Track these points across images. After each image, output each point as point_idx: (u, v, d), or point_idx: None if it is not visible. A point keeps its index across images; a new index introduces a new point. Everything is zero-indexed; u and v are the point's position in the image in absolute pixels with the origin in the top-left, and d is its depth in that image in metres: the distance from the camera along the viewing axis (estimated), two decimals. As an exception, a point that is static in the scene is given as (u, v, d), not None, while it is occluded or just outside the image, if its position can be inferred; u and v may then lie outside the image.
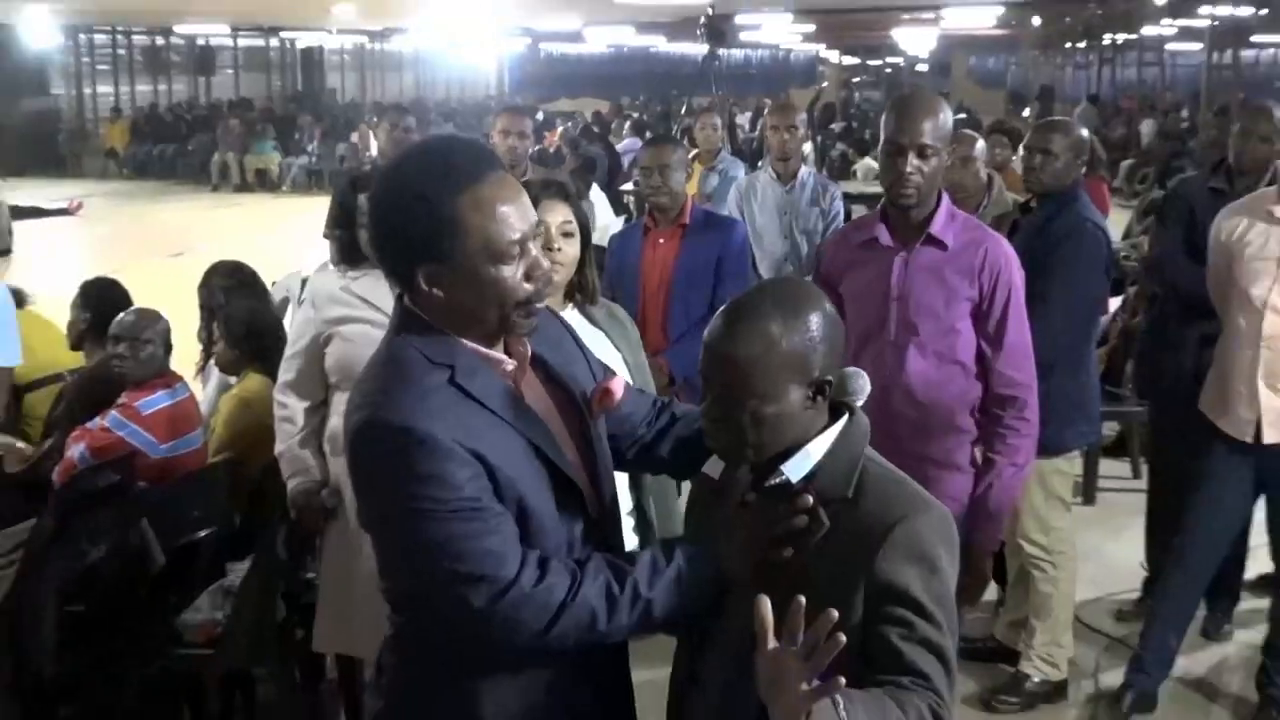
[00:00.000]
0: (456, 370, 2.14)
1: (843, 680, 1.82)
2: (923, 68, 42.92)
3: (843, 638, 1.82)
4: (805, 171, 6.24)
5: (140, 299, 5.08)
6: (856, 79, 43.69)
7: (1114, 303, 7.60)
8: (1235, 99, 15.30)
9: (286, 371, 3.98)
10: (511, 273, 2.12)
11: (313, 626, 4.11)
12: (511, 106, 7.87)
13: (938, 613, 2.04)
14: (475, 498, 2.10)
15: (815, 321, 2.12)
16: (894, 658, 2.01)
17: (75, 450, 4.34)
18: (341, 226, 3.92)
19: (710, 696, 2.24)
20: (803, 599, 1.87)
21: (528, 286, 2.15)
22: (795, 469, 2.14)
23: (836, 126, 23.41)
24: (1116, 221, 9.21)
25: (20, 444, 4.74)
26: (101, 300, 4.85)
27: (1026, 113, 22.55)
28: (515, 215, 2.12)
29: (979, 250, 3.49)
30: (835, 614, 1.83)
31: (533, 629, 2.11)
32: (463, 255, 2.10)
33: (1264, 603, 4.76)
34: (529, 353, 2.27)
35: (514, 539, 2.13)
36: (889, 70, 44.53)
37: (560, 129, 22.33)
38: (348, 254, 3.95)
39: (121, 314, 4.55)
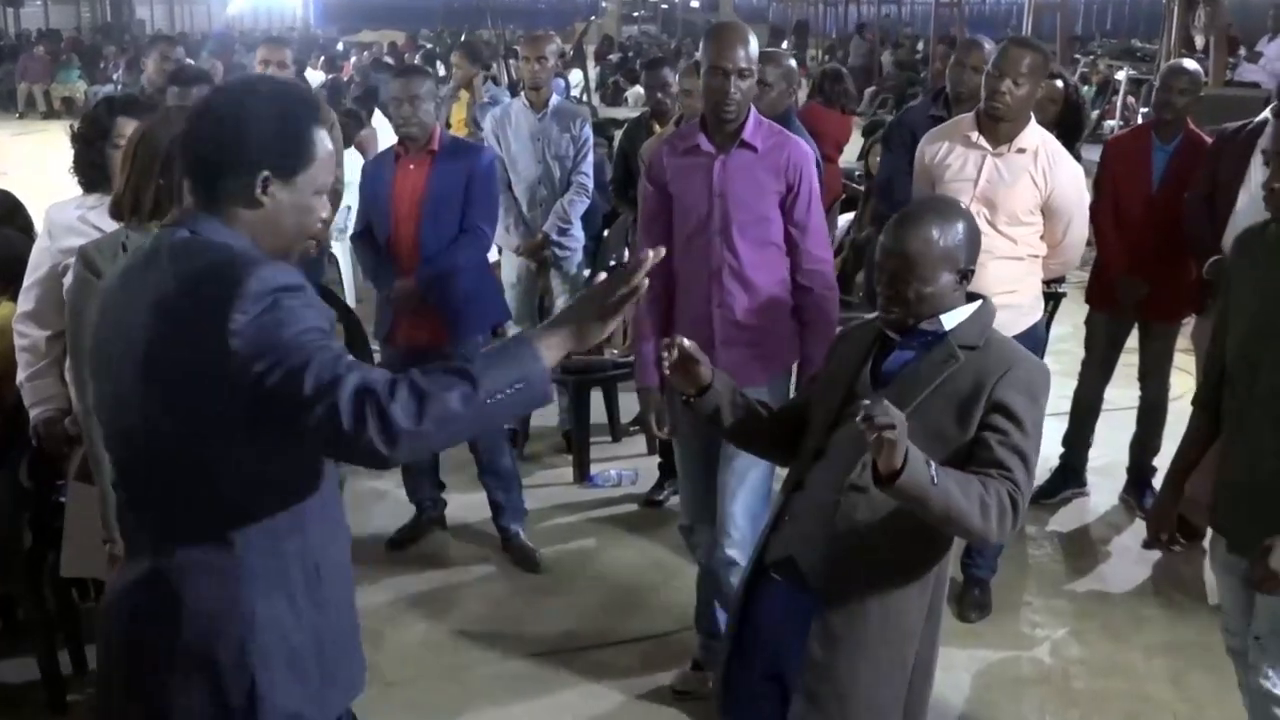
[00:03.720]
0: None
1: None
2: (695, 3, 42.82)
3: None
4: (555, 100, 6.00)
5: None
6: (635, 14, 43.50)
7: (845, 219, 7.63)
8: (960, 34, 15.59)
9: (25, 302, 3.69)
10: (321, 205, 2.20)
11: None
12: (271, 38, 7.43)
13: (1029, 429, 2.50)
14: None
15: (962, 227, 2.61)
16: (989, 455, 2.46)
17: None
18: (88, 143, 3.66)
19: (810, 495, 2.64)
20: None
21: (322, 223, 2.23)
22: (947, 321, 2.60)
23: (614, 58, 23.20)
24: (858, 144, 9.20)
25: None
26: None
27: (785, 45, 22.60)
28: (334, 162, 2.22)
29: (783, 152, 3.74)
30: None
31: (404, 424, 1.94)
32: (303, 178, 2.13)
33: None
34: None
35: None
36: (664, 6, 44.30)
37: (353, 59, 21.55)
38: (87, 172, 3.69)
39: None
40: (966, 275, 2.61)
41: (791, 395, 3.76)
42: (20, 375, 3.71)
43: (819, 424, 2.71)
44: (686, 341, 2.62)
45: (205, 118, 2.11)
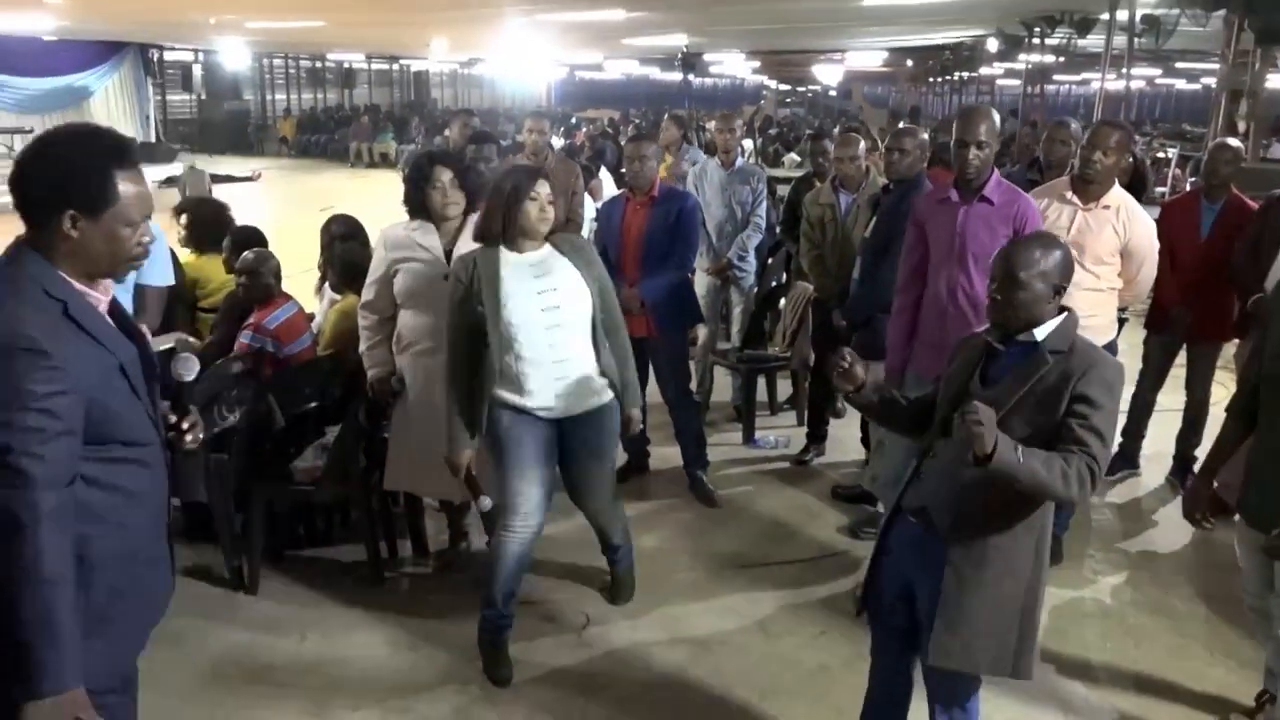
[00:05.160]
0: (69, 305, 1.86)
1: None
2: (833, 93, 42.08)
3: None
4: (740, 161, 5.97)
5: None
6: (788, 100, 42.98)
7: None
8: (1041, 117, 14.92)
9: (366, 294, 3.82)
10: (131, 235, 1.92)
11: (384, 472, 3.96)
12: (535, 111, 7.49)
13: (1106, 414, 2.34)
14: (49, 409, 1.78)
15: (1059, 254, 2.48)
16: (1071, 434, 2.32)
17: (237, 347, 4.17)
18: (416, 184, 3.70)
19: (939, 462, 2.54)
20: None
21: (139, 249, 1.95)
22: (1039, 333, 2.45)
23: (773, 131, 22.95)
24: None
25: (192, 339, 4.49)
26: (237, 244, 4.56)
27: (901, 125, 21.96)
28: (142, 199, 1.93)
29: (1014, 205, 3.65)
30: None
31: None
32: (109, 215, 1.88)
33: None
34: (111, 294, 2.01)
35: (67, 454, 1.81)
36: (809, 94, 43.63)
37: (584, 129, 21.79)
38: (414, 208, 3.74)
39: (244, 254, 4.28)
40: (1059, 291, 2.46)
41: None
42: (361, 346, 3.83)
43: (944, 411, 2.61)
44: (849, 355, 2.64)
45: (25, 165, 1.87)
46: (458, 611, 3.74)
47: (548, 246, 3.34)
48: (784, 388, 6.24)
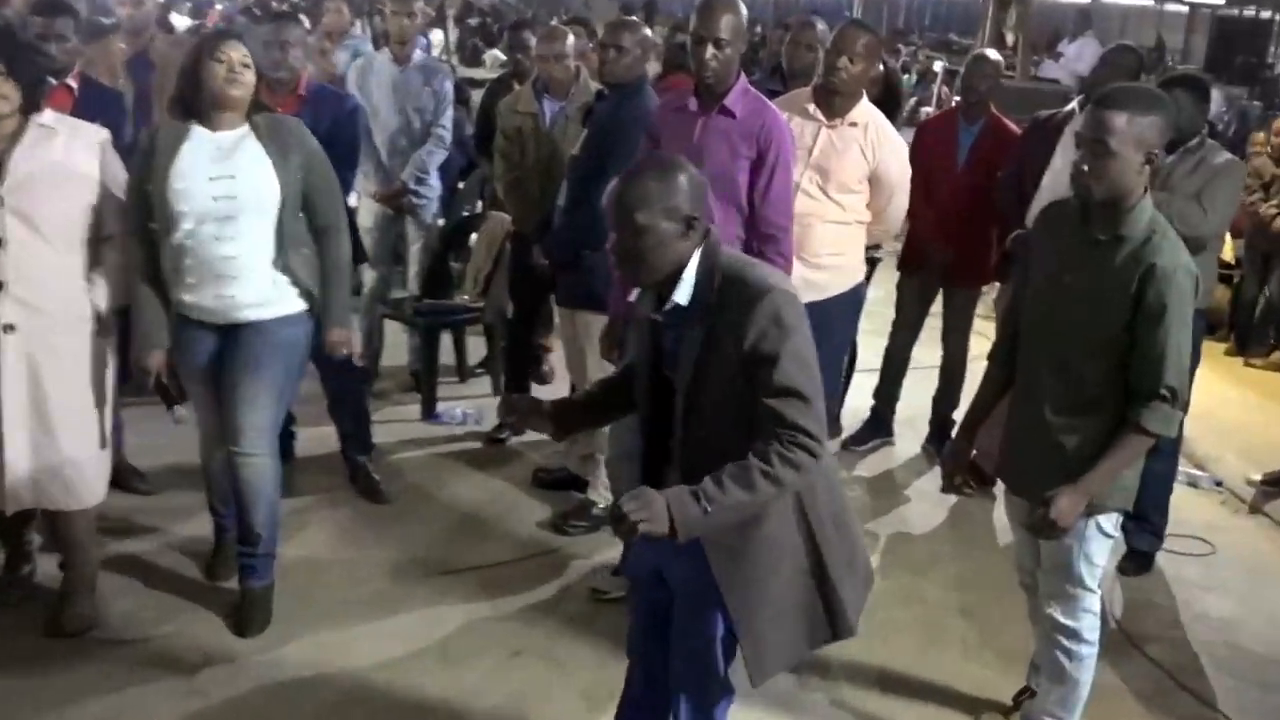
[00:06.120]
0: None
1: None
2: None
3: None
4: (419, 56, 5.87)
5: None
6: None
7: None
8: (796, 19, 15.75)
9: None
10: None
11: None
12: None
13: (793, 354, 2.40)
14: None
15: (683, 178, 2.45)
16: (762, 410, 2.40)
17: None
18: None
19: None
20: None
21: None
22: (680, 295, 2.47)
23: (473, 21, 22.78)
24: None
25: None
26: None
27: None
28: None
29: (759, 120, 3.78)
30: None
31: None
32: None
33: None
34: None
35: None
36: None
37: (220, 6, 20.69)
38: None
39: None
40: (691, 224, 2.45)
41: None
42: None
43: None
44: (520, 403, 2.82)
45: None
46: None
47: (246, 128, 3.57)
48: (476, 347, 6.26)
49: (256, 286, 3.59)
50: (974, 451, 3.46)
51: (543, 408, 2.80)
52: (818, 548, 2.64)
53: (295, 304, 3.69)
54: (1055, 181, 4.48)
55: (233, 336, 3.64)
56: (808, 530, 2.61)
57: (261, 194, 3.54)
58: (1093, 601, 3.18)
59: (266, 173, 3.54)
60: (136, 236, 3.58)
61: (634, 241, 2.44)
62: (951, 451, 3.41)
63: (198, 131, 3.54)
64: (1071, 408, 2.98)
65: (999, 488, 5.06)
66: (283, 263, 3.61)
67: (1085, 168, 2.85)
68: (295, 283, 3.65)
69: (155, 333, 3.62)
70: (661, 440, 2.63)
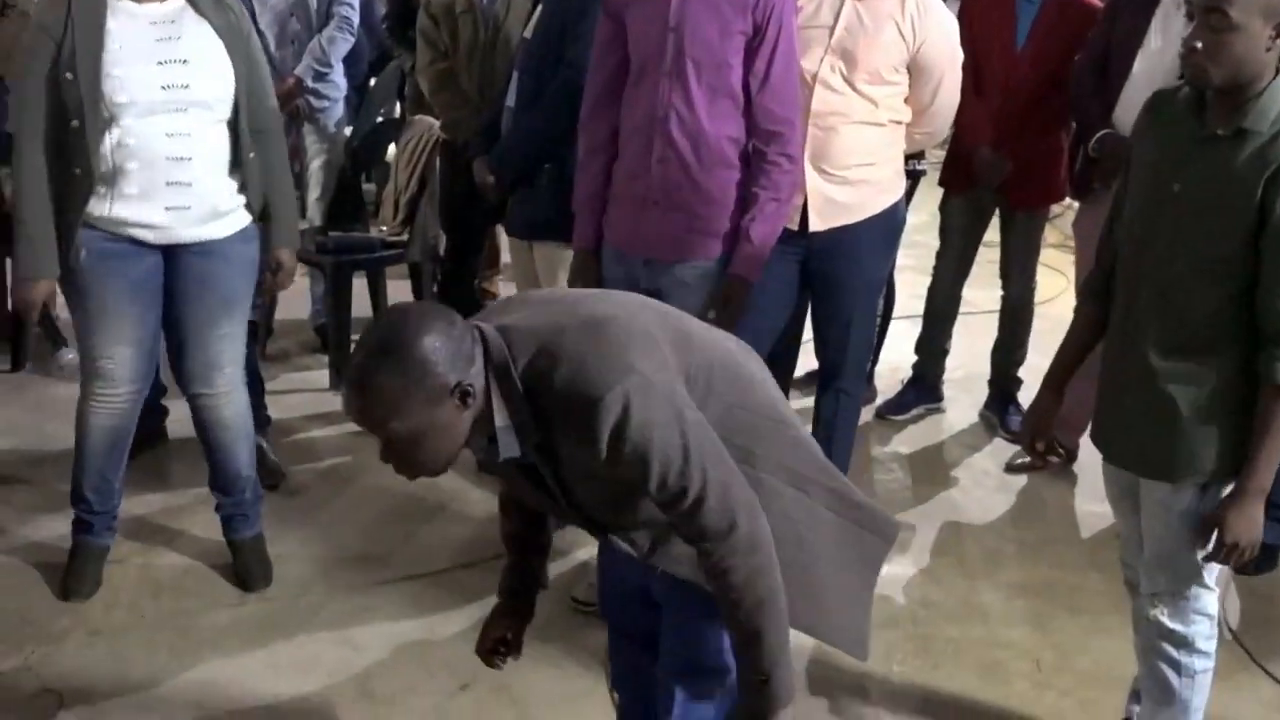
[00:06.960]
0: None
1: None
2: None
3: None
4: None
5: None
6: None
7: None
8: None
9: None
10: None
11: None
12: None
13: (664, 459, 2.28)
14: None
15: (426, 343, 2.20)
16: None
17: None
18: None
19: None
20: None
21: None
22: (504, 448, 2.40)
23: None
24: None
25: None
26: None
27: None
28: None
29: None
30: None
31: None
32: None
33: (809, 401, 4.73)
34: None
35: None
36: None
37: None
38: None
39: None
40: (463, 390, 2.26)
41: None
42: None
43: None
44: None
45: None
46: None
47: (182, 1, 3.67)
48: (399, 293, 6.14)
49: (213, 196, 3.76)
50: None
51: (510, 625, 2.97)
52: (825, 487, 2.67)
53: (246, 217, 3.88)
54: (1151, 66, 4.41)
55: (183, 261, 3.78)
56: (805, 492, 2.65)
57: (217, 82, 3.69)
58: (1209, 602, 3.14)
59: (219, 55, 3.69)
60: (36, 140, 3.62)
61: (407, 449, 2.30)
62: (1034, 408, 3.35)
63: (122, 4, 3.61)
64: (1183, 348, 2.92)
65: (1079, 464, 5.03)
66: (239, 167, 3.79)
67: (1199, 45, 2.77)
68: (247, 191, 3.84)
69: (45, 259, 3.68)
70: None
